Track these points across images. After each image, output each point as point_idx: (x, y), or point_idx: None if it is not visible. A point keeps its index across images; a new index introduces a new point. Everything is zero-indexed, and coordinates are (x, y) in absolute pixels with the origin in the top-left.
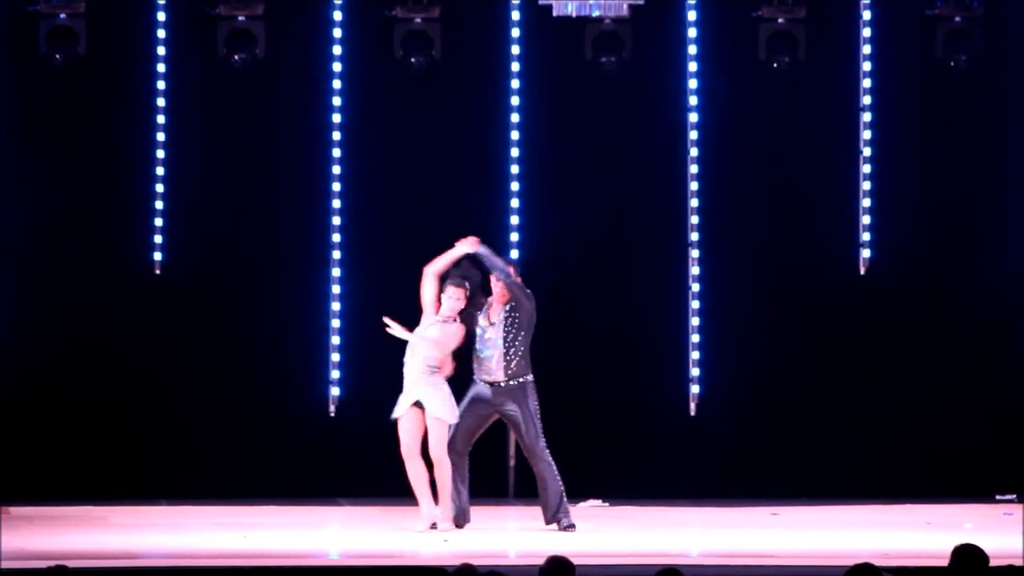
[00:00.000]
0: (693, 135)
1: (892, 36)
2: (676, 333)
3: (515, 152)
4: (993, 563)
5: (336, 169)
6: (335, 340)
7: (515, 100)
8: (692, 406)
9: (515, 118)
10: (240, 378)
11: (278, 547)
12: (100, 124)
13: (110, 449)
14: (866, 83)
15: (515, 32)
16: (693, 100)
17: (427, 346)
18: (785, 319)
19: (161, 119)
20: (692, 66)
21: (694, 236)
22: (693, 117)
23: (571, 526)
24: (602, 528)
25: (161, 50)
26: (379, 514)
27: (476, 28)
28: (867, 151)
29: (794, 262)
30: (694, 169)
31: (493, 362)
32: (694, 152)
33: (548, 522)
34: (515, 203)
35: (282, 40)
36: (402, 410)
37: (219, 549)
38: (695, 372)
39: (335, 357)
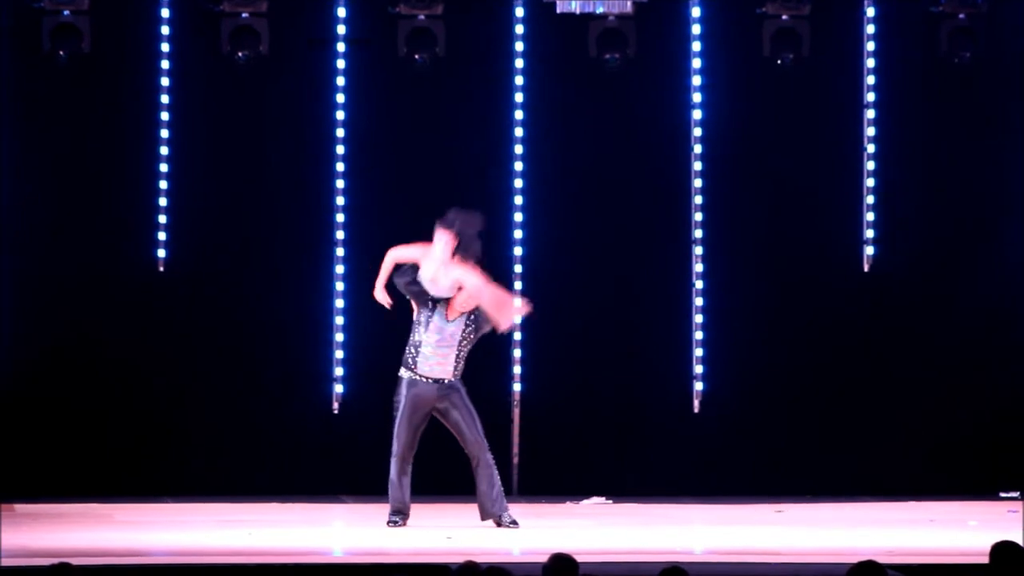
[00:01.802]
0: (697, 132)
1: (896, 33)
2: (680, 330)
3: (519, 149)
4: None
5: (340, 166)
6: (339, 337)
7: (519, 97)
8: (696, 403)
9: (519, 115)
10: (244, 375)
11: (282, 544)
12: (104, 121)
13: (114, 446)
14: (870, 80)
15: (519, 29)
16: (697, 97)
17: None
18: (789, 316)
19: (165, 116)
20: (696, 63)
21: (698, 233)
22: (697, 114)
23: (515, 522)
24: (605, 525)
25: (165, 47)
26: (383, 511)
27: (480, 25)
28: (871, 148)
29: (798, 259)
30: (698, 166)
31: (446, 359)
32: (698, 149)
33: (487, 517)
34: (519, 200)
35: (285, 37)
36: None
37: (223, 547)
38: (699, 369)
39: (339, 354)
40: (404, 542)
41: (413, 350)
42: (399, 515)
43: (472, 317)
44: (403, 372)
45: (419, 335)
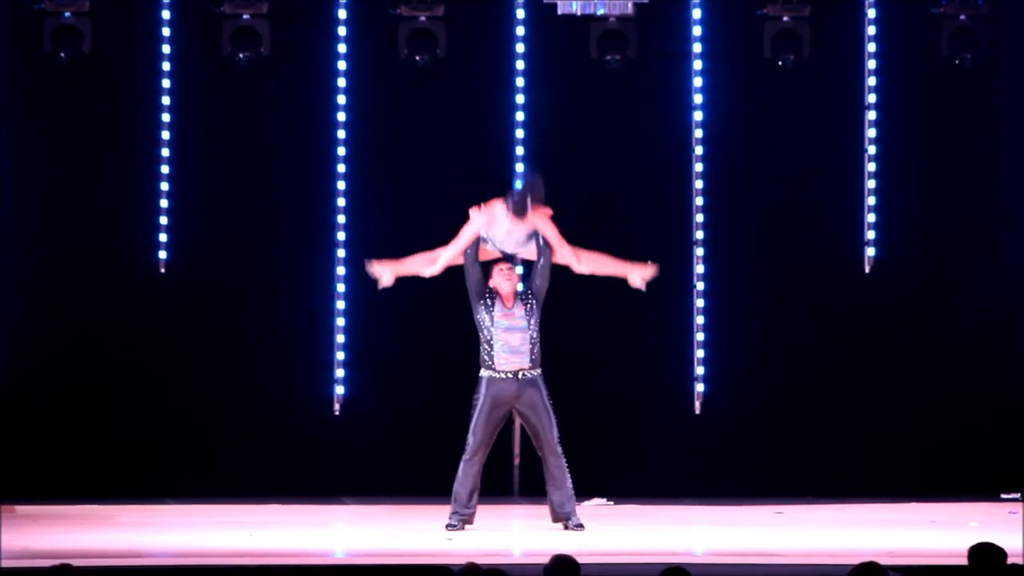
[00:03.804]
0: (698, 133)
1: (897, 34)
2: (681, 332)
3: (519, 150)
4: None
5: (341, 167)
6: (340, 339)
7: (520, 98)
8: (697, 405)
9: (520, 116)
10: (245, 377)
11: (283, 546)
12: (104, 123)
13: (115, 448)
14: (871, 81)
15: (520, 30)
16: (698, 98)
17: None
18: (790, 318)
19: (166, 117)
20: (697, 64)
21: (699, 235)
22: (698, 115)
23: (580, 525)
24: (607, 527)
25: (166, 48)
26: (384, 513)
27: (481, 26)
28: (872, 149)
29: (799, 261)
30: (699, 168)
31: (521, 347)
32: (699, 151)
33: (557, 520)
34: None
35: (287, 38)
36: None
37: (224, 548)
38: (700, 371)
39: (340, 356)
40: (405, 543)
41: (487, 346)
42: (457, 517)
43: (528, 294)
44: (483, 372)
45: (487, 332)
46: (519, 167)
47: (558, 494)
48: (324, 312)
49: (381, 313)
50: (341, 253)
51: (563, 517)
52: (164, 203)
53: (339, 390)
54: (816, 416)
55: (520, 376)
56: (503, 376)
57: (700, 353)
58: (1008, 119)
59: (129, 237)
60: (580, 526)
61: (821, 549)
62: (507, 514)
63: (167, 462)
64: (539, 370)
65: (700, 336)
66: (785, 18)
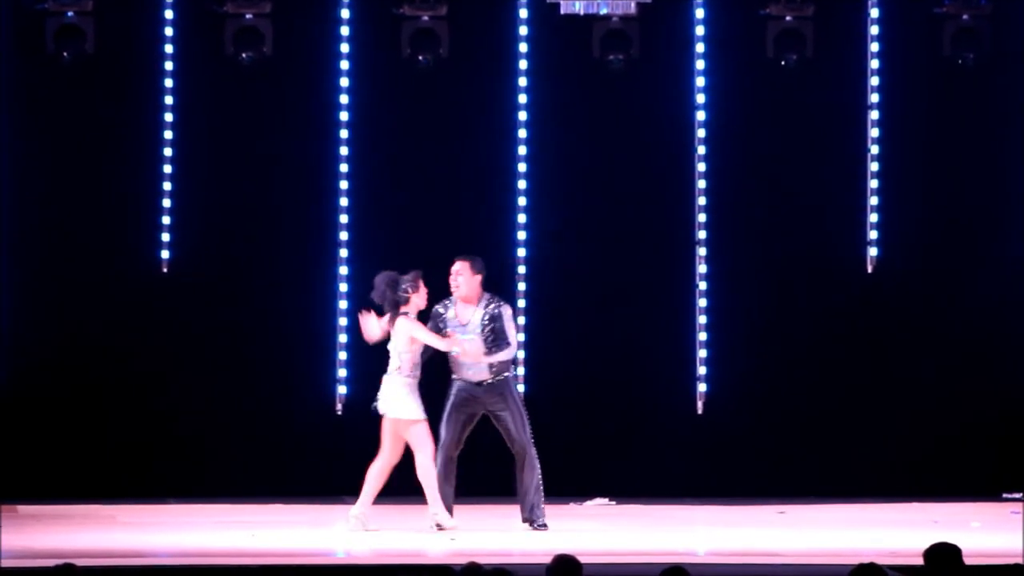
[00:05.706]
0: (701, 133)
1: (900, 34)
2: (683, 331)
3: (523, 150)
4: (998, 562)
5: (343, 167)
6: (342, 339)
7: (523, 98)
8: (699, 405)
9: (523, 116)
10: (247, 376)
11: (285, 546)
12: (107, 122)
13: (118, 448)
14: (874, 81)
15: (523, 30)
16: (701, 98)
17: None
18: (792, 317)
19: (169, 117)
20: (700, 64)
21: (701, 234)
22: (701, 115)
23: (544, 525)
24: (609, 526)
25: (169, 48)
26: (386, 513)
27: (484, 26)
28: (874, 149)
29: (801, 260)
30: (701, 167)
31: (477, 362)
32: (701, 150)
33: (525, 519)
34: (522, 201)
35: (290, 38)
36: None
37: (227, 548)
38: (702, 371)
39: (342, 356)
40: (407, 543)
41: (450, 357)
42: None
43: (487, 318)
44: (453, 375)
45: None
46: (521, 167)
47: (528, 492)
48: (326, 312)
49: (382, 313)
50: (343, 253)
51: (530, 517)
52: (167, 203)
53: (341, 390)
54: (818, 416)
55: (482, 384)
56: (467, 382)
57: (702, 353)
58: (1010, 118)
59: (131, 237)
60: (544, 526)
61: (823, 549)
62: (508, 514)
63: (169, 462)
64: (507, 373)
65: (702, 336)
66: (788, 18)
